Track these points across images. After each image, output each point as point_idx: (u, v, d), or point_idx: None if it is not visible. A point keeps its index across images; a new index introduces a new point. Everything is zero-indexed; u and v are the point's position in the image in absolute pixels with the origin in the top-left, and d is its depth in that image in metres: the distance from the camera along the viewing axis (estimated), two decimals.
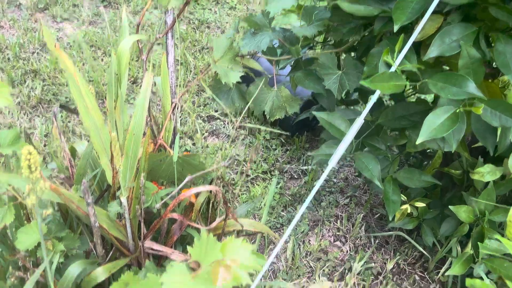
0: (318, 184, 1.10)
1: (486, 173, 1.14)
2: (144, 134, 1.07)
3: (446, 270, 1.61)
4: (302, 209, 0.97)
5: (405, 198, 1.51)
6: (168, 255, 1.08)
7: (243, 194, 1.95)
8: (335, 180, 2.10)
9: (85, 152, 1.20)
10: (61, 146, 1.22)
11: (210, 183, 1.30)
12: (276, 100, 1.34)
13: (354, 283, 1.66)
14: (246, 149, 2.15)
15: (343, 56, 1.54)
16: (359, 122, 1.04)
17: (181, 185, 1.04)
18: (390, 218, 1.35)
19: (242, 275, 0.75)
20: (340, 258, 1.75)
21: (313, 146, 2.25)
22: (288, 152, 2.20)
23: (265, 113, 1.36)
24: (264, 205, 1.80)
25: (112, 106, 1.09)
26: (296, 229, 1.82)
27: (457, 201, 1.44)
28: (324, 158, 1.26)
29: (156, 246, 1.15)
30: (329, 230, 1.85)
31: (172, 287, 0.77)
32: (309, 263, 1.71)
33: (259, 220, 1.80)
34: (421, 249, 1.67)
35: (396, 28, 0.97)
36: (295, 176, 2.09)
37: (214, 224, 1.20)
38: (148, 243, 1.15)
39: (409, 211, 1.47)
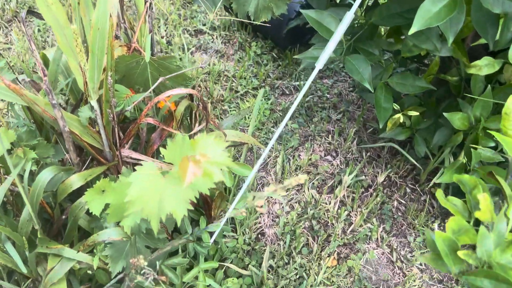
0: (304, 89, 1.03)
1: (483, 66, 1.06)
2: (117, 38, 0.98)
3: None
4: (287, 115, 0.92)
5: (398, 107, 1.44)
6: None
7: (232, 110, 1.88)
8: (328, 95, 2.02)
9: (54, 56, 1.12)
10: (33, 55, 1.13)
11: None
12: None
13: (344, 195, 1.65)
14: (235, 65, 2.05)
15: None
16: (349, 16, 0.94)
17: (153, 86, 0.97)
18: (381, 126, 1.29)
19: (214, 171, 0.70)
20: (330, 172, 1.73)
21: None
22: (279, 67, 2.10)
23: (249, 14, 1.25)
24: (250, 118, 1.75)
25: (76, 1, 0.98)
26: (286, 144, 1.78)
27: (453, 109, 1.38)
28: (312, 61, 1.18)
29: (135, 155, 1.11)
30: (320, 145, 1.81)
31: (141, 186, 0.72)
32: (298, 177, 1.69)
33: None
34: (413, 161, 1.64)
35: None
36: (287, 92, 2.01)
37: (193, 131, 1.15)
38: (127, 152, 1.10)
39: (401, 120, 1.41)
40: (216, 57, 2.10)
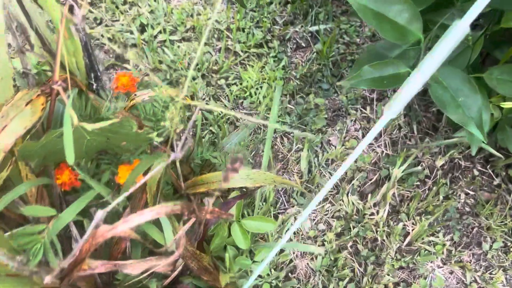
0: (357, 152, 0.61)
1: None
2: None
3: None
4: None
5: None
6: None
7: (232, 85, 1.39)
8: (358, 40, 1.49)
9: None
10: None
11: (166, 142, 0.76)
12: None
13: (395, 194, 1.25)
14: (228, 11, 1.49)
15: None
16: (460, 29, 0.44)
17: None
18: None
19: None
20: (373, 162, 1.30)
21: None
22: (289, 6, 1.53)
23: None
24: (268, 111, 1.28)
25: None
26: (311, 126, 1.32)
27: None
28: (361, 85, 0.68)
29: None
30: (355, 121, 1.36)
31: None
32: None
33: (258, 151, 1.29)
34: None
35: None
36: (303, 44, 1.48)
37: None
38: None
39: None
40: (201, 2, 1.53)
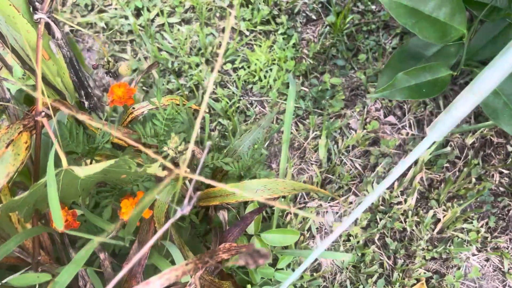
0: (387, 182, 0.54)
1: None
2: None
3: None
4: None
5: None
6: None
7: (239, 69, 1.28)
8: (373, 7, 1.35)
9: None
10: None
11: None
12: None
13: (423, 178, 1.16)
14: None
15: None
16: None
17: None
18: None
19: None
20: (397, 144, 1.20)
21: None
22: None
23: None
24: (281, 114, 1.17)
25: None
26: (327, 110, 1.22)
27: None
28: (396, 97, 0.57)
29: None
30: (375, 100, 1.25)
31: None
32: (353, 164, 1.18)
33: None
34: None
35: None
36: (313, 17, 1.35)
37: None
38: None
39: None
40: None
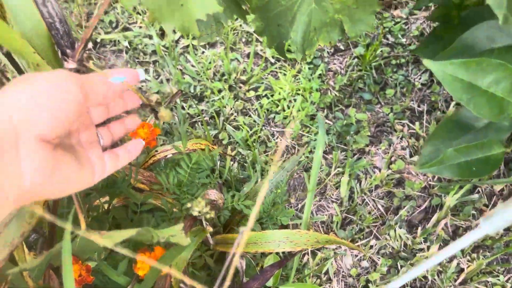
0: None
1: None
2: None
3: None
4: None
5: None
6: None
7: (262, 97, 1.25)
8: (403, 40, 1.31)
9: None
10: None
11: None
12: (318, 10, 0.53)
13: (447, 225, 1.11)
14: None
15: None
16: None
17: None
18: None
19: None
20: (423, 186, 1.15)
21: None
22: None
23: (295, 44, 0.57)
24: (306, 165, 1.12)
25: None
26: (351, 146, 1.18)
27: None
28: (443, 174, 0.53)
29: None
30: (401, 138, 1.20)
31: None
32: (376, 205, 1.14)
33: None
34: None
35: None
36: (341, 47, 1.31)
37: None
38: None
39: None
40: None
